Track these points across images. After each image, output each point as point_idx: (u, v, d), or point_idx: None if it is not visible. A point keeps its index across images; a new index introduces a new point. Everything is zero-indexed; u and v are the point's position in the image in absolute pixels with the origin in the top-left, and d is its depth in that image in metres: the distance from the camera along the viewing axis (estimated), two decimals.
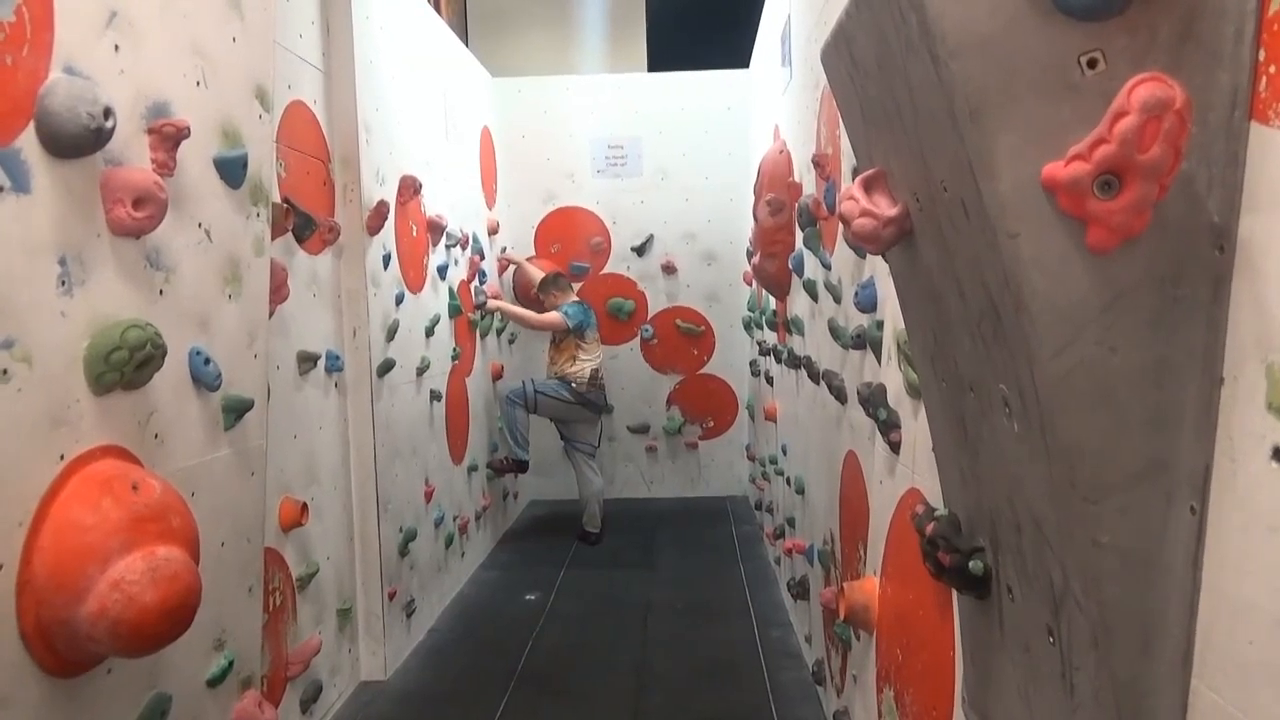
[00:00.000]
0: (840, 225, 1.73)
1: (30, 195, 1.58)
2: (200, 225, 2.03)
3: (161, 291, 1.91)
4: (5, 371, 1.53)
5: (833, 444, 3.01)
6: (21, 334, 1.56)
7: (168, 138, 1.86)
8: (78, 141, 1.62)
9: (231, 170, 2.11)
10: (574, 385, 5.47)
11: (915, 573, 1.75)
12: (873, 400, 2.06)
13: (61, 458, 1.65)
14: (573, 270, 6.32)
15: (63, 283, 1.65)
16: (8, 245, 1.54)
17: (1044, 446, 0.97)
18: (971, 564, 1.24)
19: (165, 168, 1.87)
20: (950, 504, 1.37)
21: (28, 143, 1.57)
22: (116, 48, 1.78)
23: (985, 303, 1.01)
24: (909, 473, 1.89)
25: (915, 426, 1.82)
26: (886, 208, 1.17)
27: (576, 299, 5.70)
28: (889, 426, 1.97)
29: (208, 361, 2.04)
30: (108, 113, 1.66)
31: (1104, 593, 0.93)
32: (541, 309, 5.65)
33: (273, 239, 2.60)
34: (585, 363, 5.51)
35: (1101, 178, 0.87)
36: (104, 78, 1.74)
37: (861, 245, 1.21)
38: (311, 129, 3.11)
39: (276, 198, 2.76)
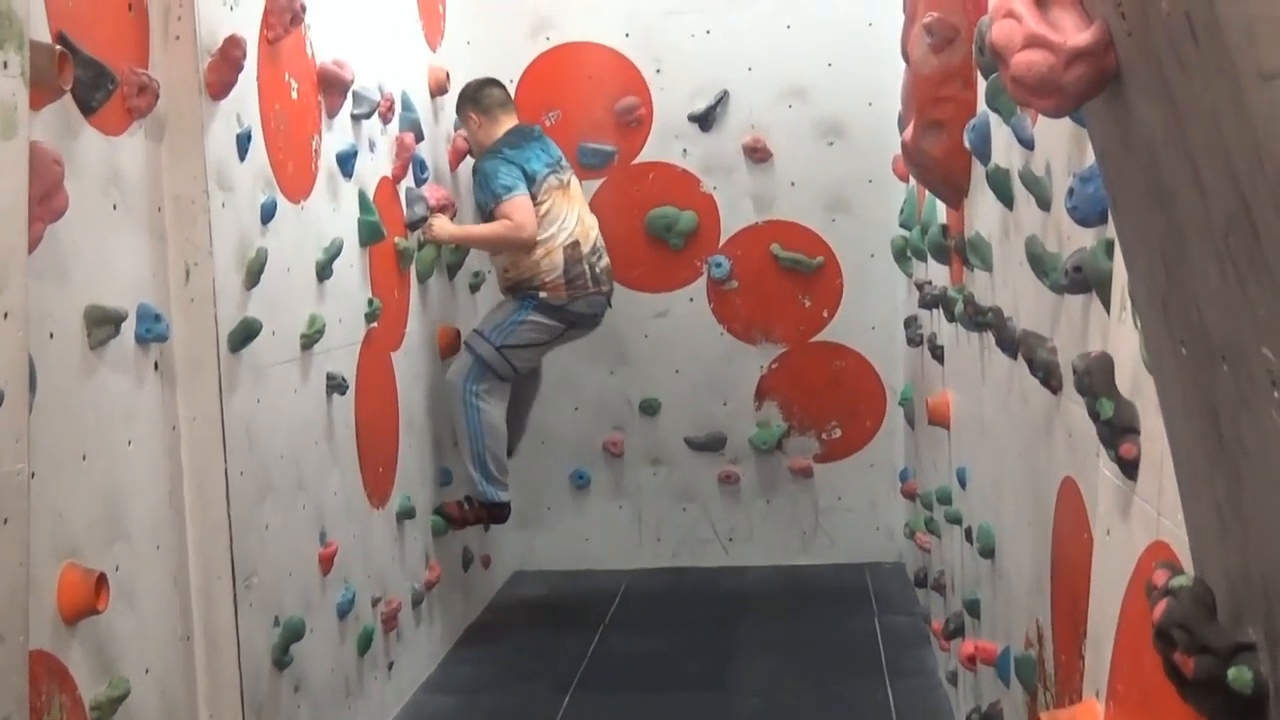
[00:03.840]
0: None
1: None
2: None
3: None
4: None
5: (1040, 465, 3.01)
6: None
7: None
8: None
9: None
10: (544, 296, 5.56)
11: (1163, 690, 1.77)
12: (1092, 384, 2.06)
13: None
14: (583, 158, 6.37)
15: None
16: None
17: None
18: (1232, 673, 1.25)
19: None
20: (1201, 564, 1.38)
21: None
22: None
23: (1234, 200, 1.03)
24: (1153, 513, 1.90)
25: (1164, 430, 1.83)
26: (1072, 31, 1.19)
27: (517, 128, 5.72)
28: (1118, 431, 1.97)
29: None
30: None
31: None
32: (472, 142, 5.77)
33: (36, 107, 2.67)
34: (553, 240, 5.56)
35: None
36: None
37: (1029, 100, 1.23)
38: None
39: (44, 34, 2.83)
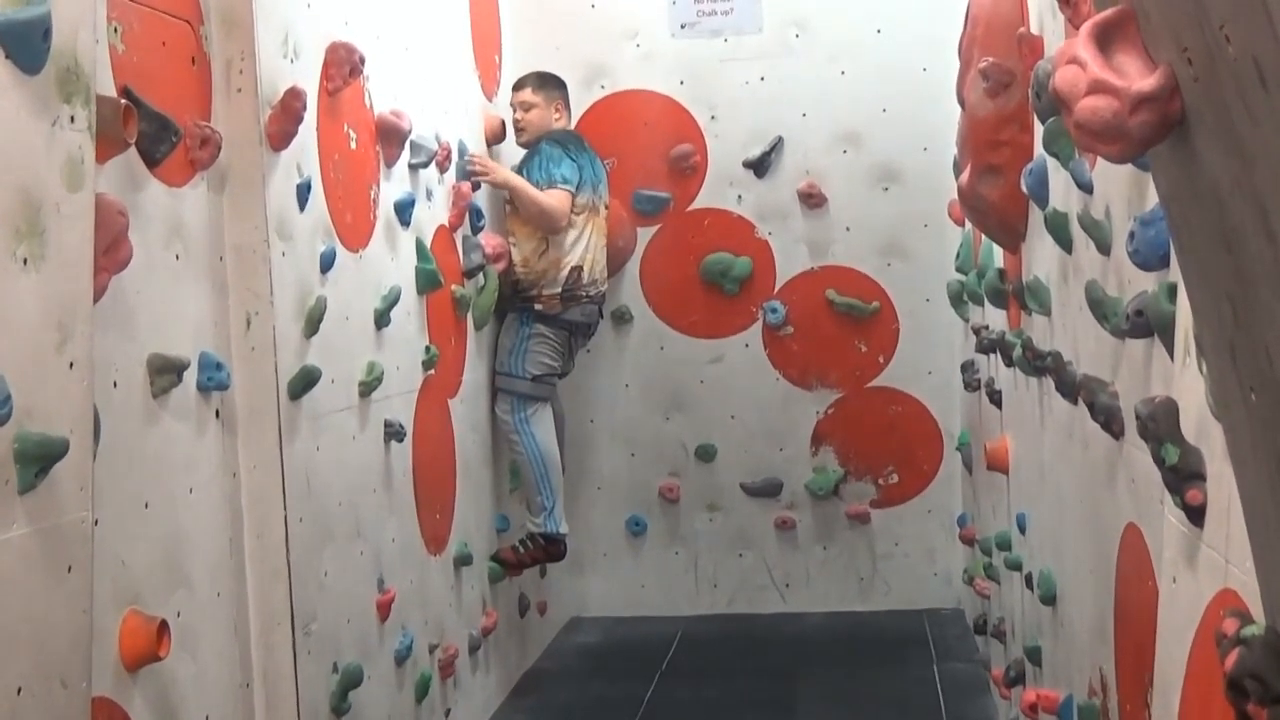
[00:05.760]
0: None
1: None
2: None
3: None
4: None
5: (1102, 511, 2.97)
6: None
7: None
8: None
9: (23, 41, 2.21)
10: (539, 308, 5.65)
11: None
12: (1156, 429, 2.03)
13: None
14: (639, 205, 6.41)
15: None
16: None
17: None
18: None
19: None
20: (1273, 613, 1.36)
21: None
22: None
23: None
24: (1220, 560, 1.87)
25: (1231, 477, 1.81)
26: (1137, 76, 1.18)
27: (576, 133, 5.91)
28: (1184, 477, 1.94)
29: None
30: None
31: None
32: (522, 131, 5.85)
33: (102, 160, 2.70)
34: (566, 257, 5.66)
35: None
36: None
37: (1093, 145, 1.22)
38: None
39: (109, 89, 2.87)
